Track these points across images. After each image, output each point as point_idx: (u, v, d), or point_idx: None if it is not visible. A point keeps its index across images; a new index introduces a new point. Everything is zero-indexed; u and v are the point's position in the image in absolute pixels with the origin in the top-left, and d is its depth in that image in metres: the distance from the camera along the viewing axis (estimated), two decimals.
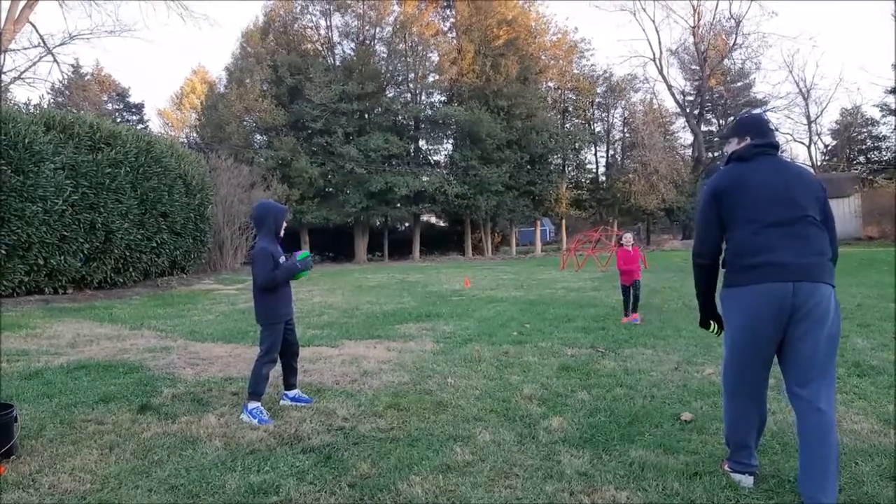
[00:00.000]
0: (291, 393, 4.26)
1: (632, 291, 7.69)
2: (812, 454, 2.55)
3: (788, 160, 3.02)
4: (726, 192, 2.75)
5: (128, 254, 12.54)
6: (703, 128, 44.65)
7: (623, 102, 39.23)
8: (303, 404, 4.18)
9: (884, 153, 43.85)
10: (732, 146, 2.87)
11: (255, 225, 4.18)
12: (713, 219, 2.80)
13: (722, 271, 2.86)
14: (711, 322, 2.99)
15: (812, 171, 45.34)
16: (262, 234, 4.10)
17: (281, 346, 4.09)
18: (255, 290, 4.03)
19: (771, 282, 2.59)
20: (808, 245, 2.62)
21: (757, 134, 2.81)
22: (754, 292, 2.62)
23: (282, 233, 4.12)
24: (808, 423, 2.59)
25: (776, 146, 2.83)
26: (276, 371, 4.22)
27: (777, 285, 2.57)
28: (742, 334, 2.70)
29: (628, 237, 8.14)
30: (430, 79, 31.24)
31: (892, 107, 38.08)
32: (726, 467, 2.93)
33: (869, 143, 45.48)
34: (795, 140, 59.01)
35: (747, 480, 2.81)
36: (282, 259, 4.06)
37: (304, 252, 4.13)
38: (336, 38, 30.91)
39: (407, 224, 35.16)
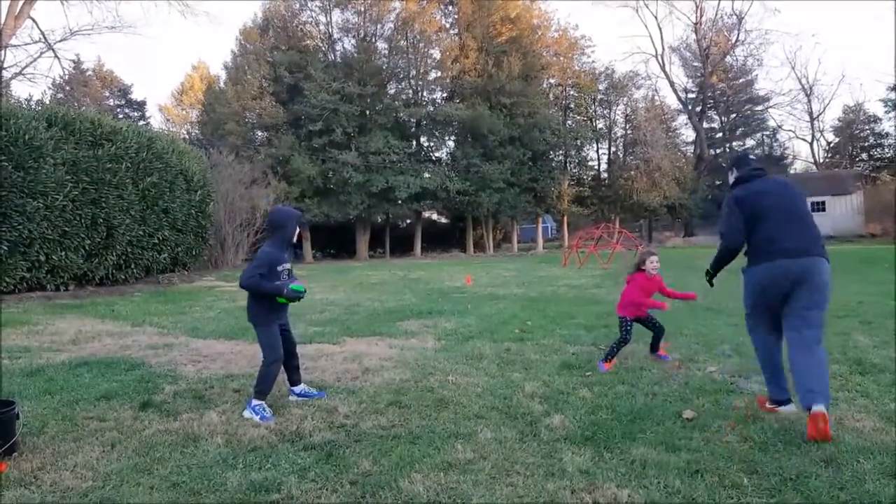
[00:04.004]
0: (298, 388, 4.29)
1: (642, 327, 5.34)
2: (802, 364, 3.47)
3: (773, 177, 3.99)
4: (745, 201, 3.75)
5: (129, 250, 12.55)
6: (705, 125, 44.57)
7: (625, 99, 39.19)
8: (314, 398, 4.20)
9: (886, 150, 43.75)
10: (734, 175, 3.97)
11: (269, 230, 4.15)
12: (739, 219, 3.73)
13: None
14: (713, 281, 4.17)
15: (815, 168, 45.36)
16: (273, 238, 4.07)
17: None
18: None
19: (780, 259, 3.57)
20: (806, 231, 3.65)
21: (745, 164, 3.96)
22: (768, 267, 3.62)
23: (295, 239, 4.11)
24: (798, 342, 3.53)
25: (763, 169, 3.94)
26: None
27: (785, 261, 3.57)
28: (760, 292, 3.72)
29: (655, 260, 5.19)
30: (432, 76, 31.16)
31: None
32: (768, 405, 3.74)
33: (871, 140, 45.36)
34: (798, 137, 59.01)
35: (790, 408, 3.65)
36: (284, 266, 4.03)
37: (299, 286, 4.00)
38: (336, 34, 30.84)
39: (409, 221, 35.14)
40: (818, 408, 3.26)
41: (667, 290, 5.24)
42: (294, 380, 4.29)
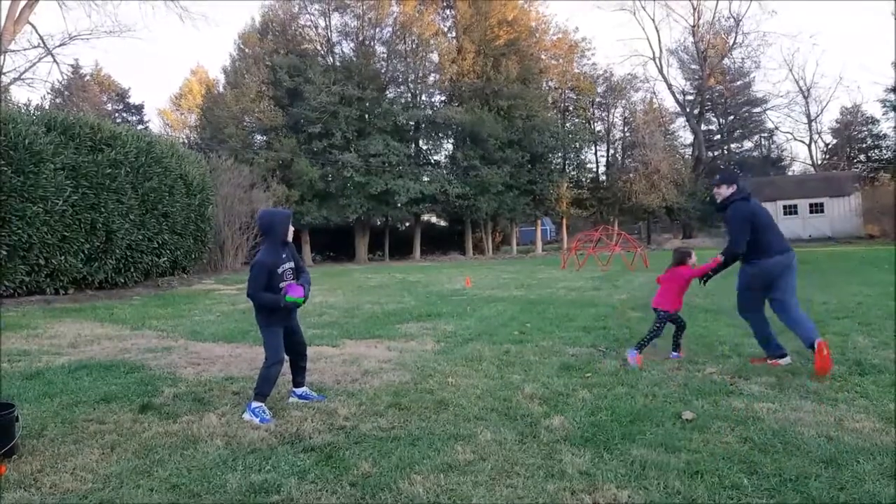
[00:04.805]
0: (299, 390, 4.30)
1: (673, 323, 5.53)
2: (800, 318, 4.83)
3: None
4: (753, 217, 4.93)
5: (129, 254, 12.55)
6: (703, 127, 44.64)
7: (623, 102, 39.23)
8: (313, 401, 4.19)
9: (884, 152, 43.79)
10: (739, 186, 5.06)
11: (262, 234, 4.17)
12: (748, 231, 4.89)
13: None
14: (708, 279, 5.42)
15: (813, 169, 45.42)
16: (267, 242, 4.08)
17: (287, 345, 4.11)
18: None
19: (777, 256, 4.91)
20: (783, 237, 5.12)
21: (744, 185, 5.14)
22: (771, 261, 4.91)
23: (289, 237, 4.12)
24: (792, 307, 4.87)
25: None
26: (283, 370, 4.22)
27: (781, 256, 4.92)
28: (758, 278, 4.97)
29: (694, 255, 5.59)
30: (431, 79, 31.16)
31: (895, 103, 37.91)
32: (769, 361, 4.92)
33: (869, 141, 45.42)
34: (796, 139, 59.11)
35: (787, 360, 4.91)
36: (284, 267, 4.04)
37: (297, 297, 3.98)
38: (335, 38, 30.83)
39: (408, 224, 35.12)
40: (820, 339, 4.66)
41: (696, 272, 5.39)
42: (298, 381, 4.30)
